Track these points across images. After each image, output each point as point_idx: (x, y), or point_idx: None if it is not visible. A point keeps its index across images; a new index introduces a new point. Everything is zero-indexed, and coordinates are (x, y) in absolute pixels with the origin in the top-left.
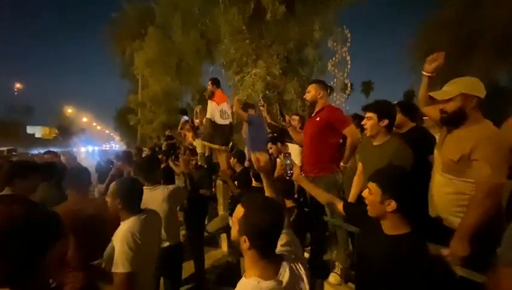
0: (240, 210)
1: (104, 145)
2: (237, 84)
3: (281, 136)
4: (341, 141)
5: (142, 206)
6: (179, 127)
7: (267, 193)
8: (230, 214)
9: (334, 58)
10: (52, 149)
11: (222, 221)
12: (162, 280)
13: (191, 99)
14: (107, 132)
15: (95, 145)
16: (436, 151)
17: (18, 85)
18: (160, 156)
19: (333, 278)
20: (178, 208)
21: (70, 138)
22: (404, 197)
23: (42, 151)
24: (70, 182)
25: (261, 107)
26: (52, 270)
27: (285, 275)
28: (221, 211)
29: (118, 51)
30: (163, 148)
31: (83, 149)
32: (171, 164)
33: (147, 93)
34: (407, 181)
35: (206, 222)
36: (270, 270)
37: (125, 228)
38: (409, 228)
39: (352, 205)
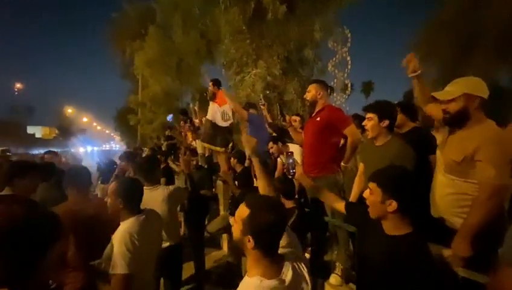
0: (244, 210)
1: (104, 146)
2: (237, 84)
3: (281, 136)
4: (343, 142)
5: (142, 206)
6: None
7: (260, 181)
8: (231, 214)
9: (334, 59)
10: (52, 149)
11: (222, 221)
12: (162, 280)
13: (191, 100)
14: (107, 132)
15: (94, 145)
16: (438, 152)
17: (18, 85)
18: (159, 156)
19: (334, 278)
20: (178, 208)
21: (71, 138)
22: (404, 197)
23: (42, 151)
24: (70, 182)
25: (262, 106)
26: (52, 270)
27: (288, 274)
28: (222, 211)
29: (118, 51)
30: (163, 149)
31: (81, 149)
32: (171, 163)
33: (147, 93)
34: (408, 181)
35: (206, 222)
36: (273, 270)
37: (124, 229)
38: (411, 228)
39: (354, 205)
